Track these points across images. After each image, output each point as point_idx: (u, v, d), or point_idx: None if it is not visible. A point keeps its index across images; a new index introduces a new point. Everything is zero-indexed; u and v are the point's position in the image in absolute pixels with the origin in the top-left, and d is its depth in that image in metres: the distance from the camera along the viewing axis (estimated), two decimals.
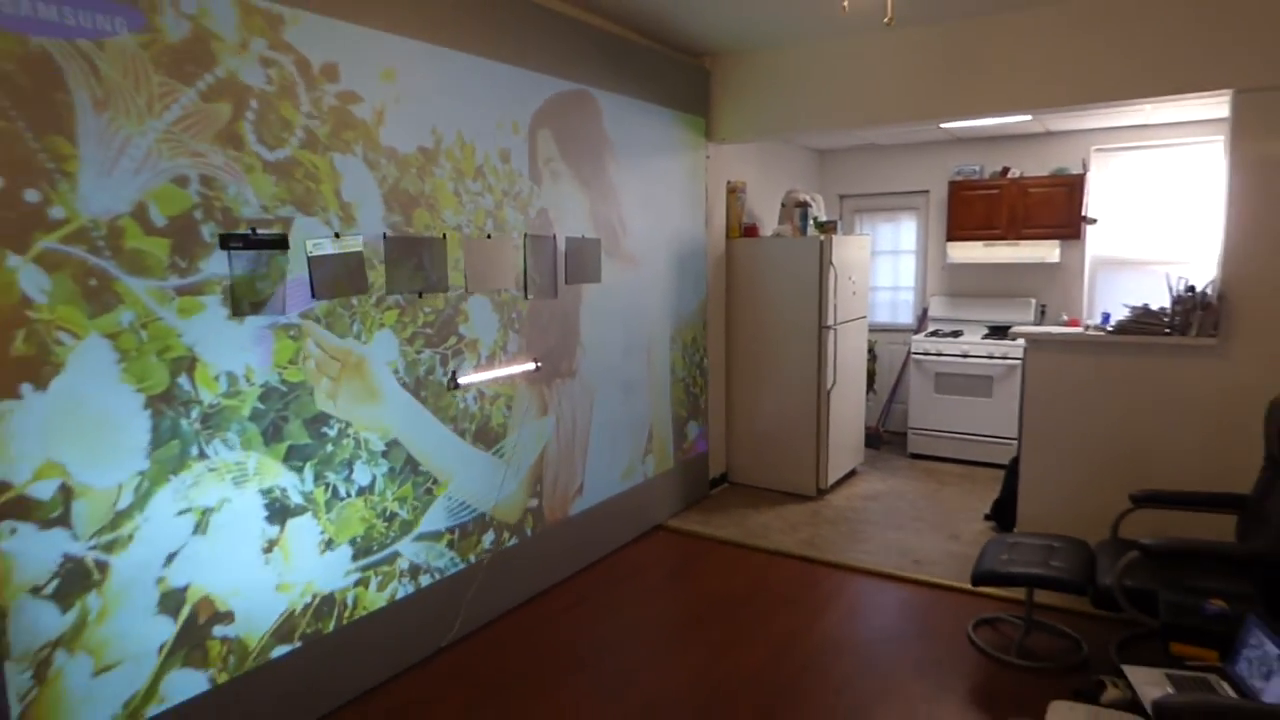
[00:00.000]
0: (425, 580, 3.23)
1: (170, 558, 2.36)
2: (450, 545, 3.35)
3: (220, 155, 2.43)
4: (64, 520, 2.12)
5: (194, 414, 2.40)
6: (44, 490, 2.07)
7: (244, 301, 2.53)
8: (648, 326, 4.62)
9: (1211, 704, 1.83)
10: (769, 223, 5.81)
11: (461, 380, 3.34)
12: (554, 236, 3.84)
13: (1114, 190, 6.05)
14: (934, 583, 3.94)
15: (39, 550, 2.07)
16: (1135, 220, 5.98)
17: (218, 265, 2.44)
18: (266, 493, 2.62)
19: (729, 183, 5.44)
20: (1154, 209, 5.89)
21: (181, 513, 2.38)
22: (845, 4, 2.91)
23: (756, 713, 2.89)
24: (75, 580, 2.15)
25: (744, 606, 3.76)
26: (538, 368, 3.77)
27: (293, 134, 2.64)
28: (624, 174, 4.34)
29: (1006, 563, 3.24)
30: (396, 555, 3.11)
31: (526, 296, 3.69)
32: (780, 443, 5.36)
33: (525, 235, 3.66)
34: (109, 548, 2.21)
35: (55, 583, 2.11)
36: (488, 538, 3.53)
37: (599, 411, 4.24)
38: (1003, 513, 4.57)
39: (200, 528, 2.43)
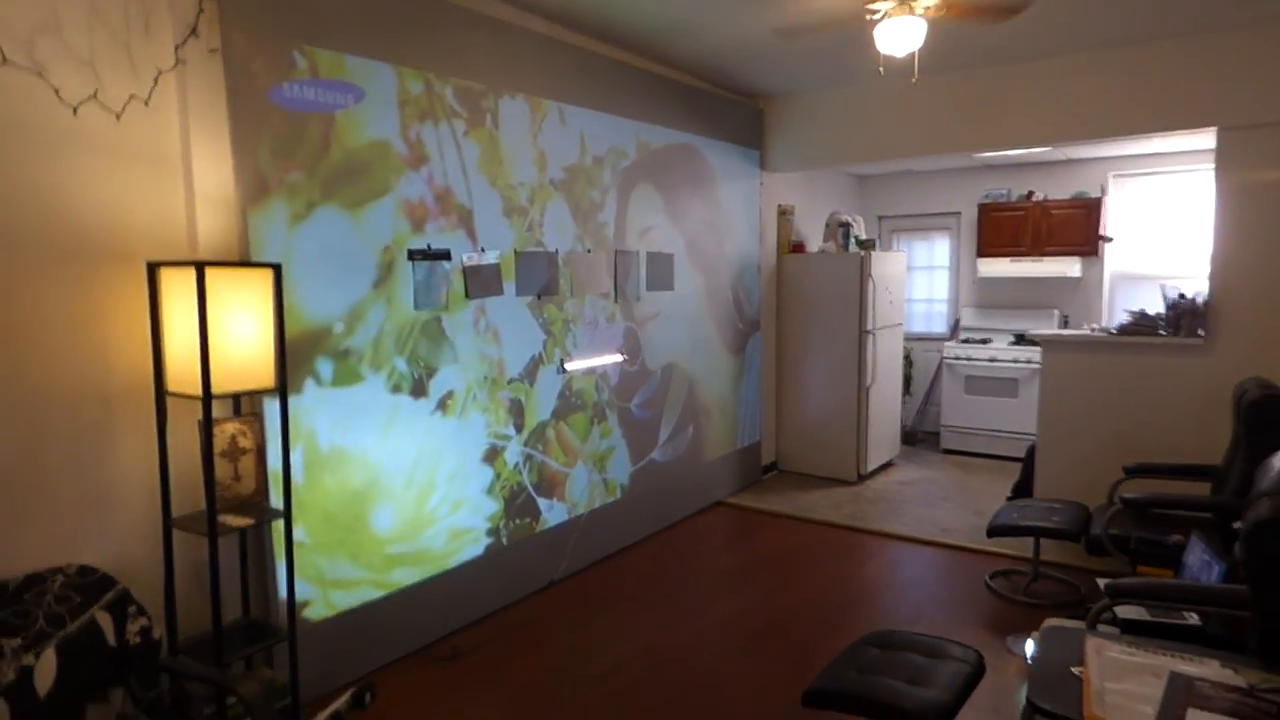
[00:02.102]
0: (544, 525, 4.02)
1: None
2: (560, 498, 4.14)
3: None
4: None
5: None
6: None
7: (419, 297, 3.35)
8: (711, 328, 5.38)
9: (1143, 582, 2.50)
10: (815, 240, 6.54)
11: (568, 366, 4.13)
12: (637, 251, 4.64)
13: (1130, 211, 6.67)
14: (958, 545, 4.62)
15: None
16: (1149, 238, 6.59)
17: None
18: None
19: (779, 206, 6.20)
20: (1166, 228, 6.49)
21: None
22: (881, 69, 3.66)
23: (810, 628, 3.62)
24: None
25: (796, 559, 4.49)
26: (624, 359, 4.55)
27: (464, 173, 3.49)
28: (694, 199, 5.13)
29: (1017, 518, 3.91)
30: (535, 505, 3.92)
31: (615, 300, 4.49)
32: (824, 433, 6.06)
33: (615, 251, 4.46)
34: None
35: None
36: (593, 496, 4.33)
37: (671, 398, 5.00)
38: (1021, 494, 5.19)
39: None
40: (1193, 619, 2.46)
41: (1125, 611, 2.53)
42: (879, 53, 3.61)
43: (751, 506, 5.44)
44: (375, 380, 3.19)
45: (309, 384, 2.96)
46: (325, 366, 3.00)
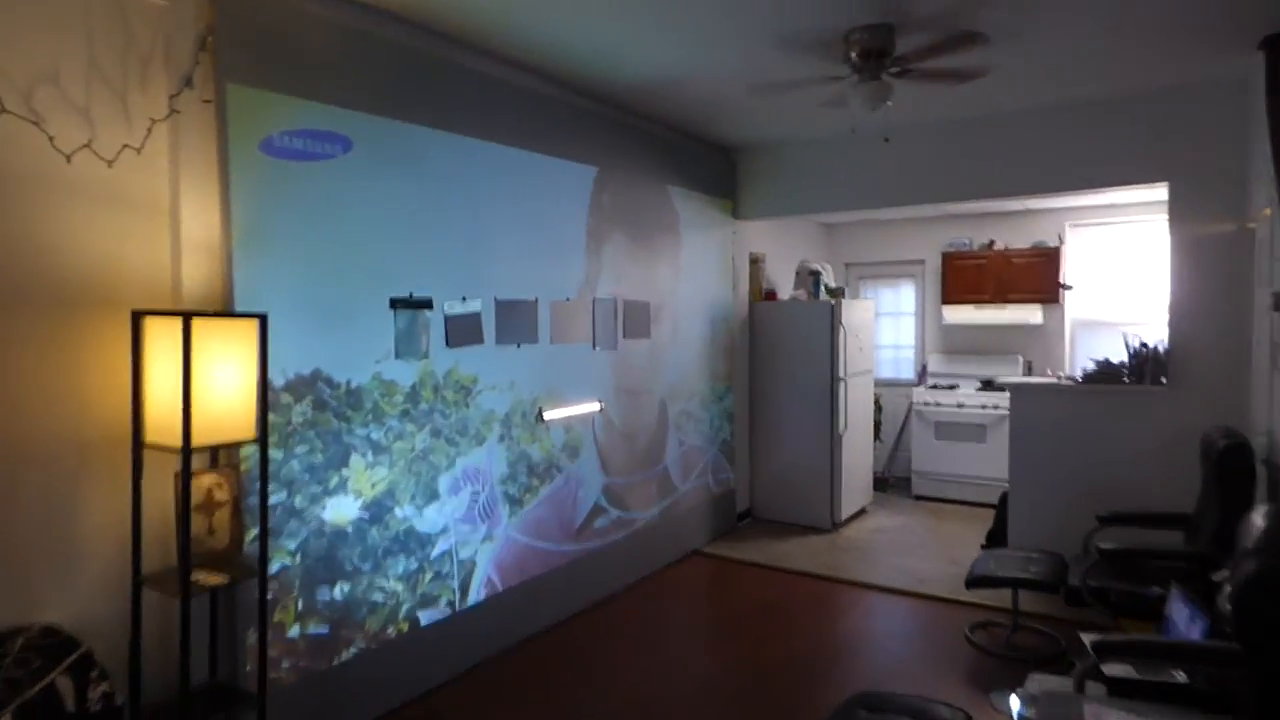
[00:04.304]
0: (522, 577, 3.94)
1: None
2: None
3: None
4: None
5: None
6: None
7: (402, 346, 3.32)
8: (686, 375, 5.40)
9: (1130, 640, 2.53)
10: (786, 288, 6.64)
11: (546, 415, 4.10)
12: (615, 299, 4.66)
13: (1087, 260, 6.90)
14: (936, 596, 4.63)
15: None
16: (1108, 286, 6.81)
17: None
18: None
19: (751, 254, 6.30)
20: (1124, 277, 6.73)
21: None
22: (854, 129, 3.77)
23: (794, 684, 3.57)
24: None
25: (775, 612, 4.45)
26: (602, 408, 4.54)
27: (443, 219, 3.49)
28: (668, 248, 5.19)
29: (994, 569, 3.94)
30: (514, 556, 3.84)
31: (595, 348, 4.48)
32: (798, 481, 6.08)
33: (594, 299, 4.47)
34: None
35: None
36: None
37: (648, 446, 4.98)
38: (995, 542, 5.24)
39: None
40: (1180, 676, 2.49)
41: (1112, 669, 2.55)
42: (852, 112, 3.72)
43: (727, 556, 5.41)
44: (359, 431, 3.13)
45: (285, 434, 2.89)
46: (307, 415, 2.94)
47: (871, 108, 3.53)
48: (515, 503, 3.93)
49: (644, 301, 4.94)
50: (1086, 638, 3.03)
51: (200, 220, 2.64)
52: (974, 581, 3.92)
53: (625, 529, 4.76)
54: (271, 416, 2.79)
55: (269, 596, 2.81)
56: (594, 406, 4.48)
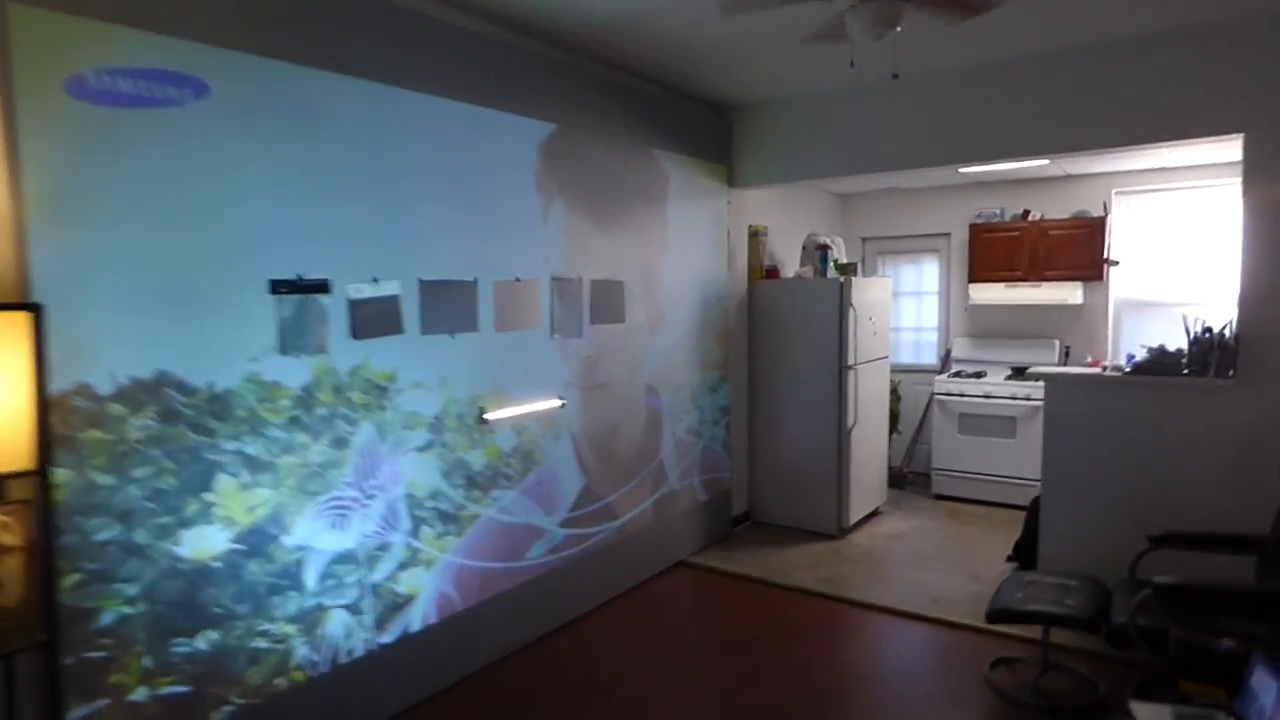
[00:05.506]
0: (454, 605, 3.36)
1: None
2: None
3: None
4: None
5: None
6: None
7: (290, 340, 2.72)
8: (672, 364, 4.75)
9: None
10: (791, 264, 5.94)
11: (490, 416, 3.49)
12: (579, 279, 4.01)
13: (1136, 232, 6.10)
14: (953, 622, 3.96)
15: None
16: (1159, 262, 6.01)
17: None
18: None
19: (750, 226, 5.60)
20: (1178, 251, 5.92)
21: None
22: (852, 62, 3.06)
23: None
24: None
25: (764, 640, 3.83)
26: (563, 405, 3.92)
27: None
28: (650, 219, 4.52)
29: (1021, 600, 3.27)
30: (446, 577, 3.25)
31: (552, 336, 3.85)
32: (802, 482, 5.42)
33: (552, 278, 3.83)
34: None
35: None
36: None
37: (624, 447, 4.36)
38: (1024, 554, 4.56)
39: None
40: None
41: None
42: (852, 43, 3.02)
43: (717, 568, 4.78)
44: (227, 445, 2.55)
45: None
46: (150, 429, 2.35)
47: (875, 36, 2.82)
48: (449, 519, 3.34)
49: (617, 280, 4.29)
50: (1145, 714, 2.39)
51: None
52: (997, 615, 3.27)
53: (593, 536, 4.15)
54: (96, 433, 2.24)
55: (100, 654, 2.27)
56: (553, 403, 3.86)
